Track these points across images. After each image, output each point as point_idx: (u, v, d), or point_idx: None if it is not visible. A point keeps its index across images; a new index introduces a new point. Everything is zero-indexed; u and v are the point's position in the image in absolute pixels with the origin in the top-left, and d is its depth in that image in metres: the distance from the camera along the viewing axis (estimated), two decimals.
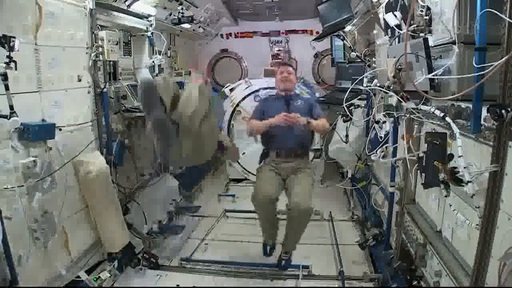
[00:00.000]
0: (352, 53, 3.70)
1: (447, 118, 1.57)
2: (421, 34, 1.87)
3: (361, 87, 2.75)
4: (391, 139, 2.63)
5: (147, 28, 3.66)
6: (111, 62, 2.96)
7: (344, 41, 3.86)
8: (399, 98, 2.04)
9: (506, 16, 1.19)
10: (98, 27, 2.84)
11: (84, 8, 2.65)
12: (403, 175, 2.45)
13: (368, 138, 3.21)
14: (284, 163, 2.97)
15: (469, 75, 1.37)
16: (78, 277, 2.49)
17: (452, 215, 1.63)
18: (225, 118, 5.02)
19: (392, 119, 2.41)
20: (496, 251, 1.32)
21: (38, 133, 2.14)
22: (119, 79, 3.14)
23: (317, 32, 5.59)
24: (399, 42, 2.23)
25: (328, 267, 3.00)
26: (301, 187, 2.78)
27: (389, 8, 2.28)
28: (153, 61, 3.85)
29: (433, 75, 1.66)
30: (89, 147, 2.71)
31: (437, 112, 1.65)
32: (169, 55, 4.69)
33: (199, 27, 4.88)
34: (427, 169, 1.69)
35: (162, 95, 2.51)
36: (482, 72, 1.30)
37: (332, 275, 2.89)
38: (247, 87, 4.99)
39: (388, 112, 2.31)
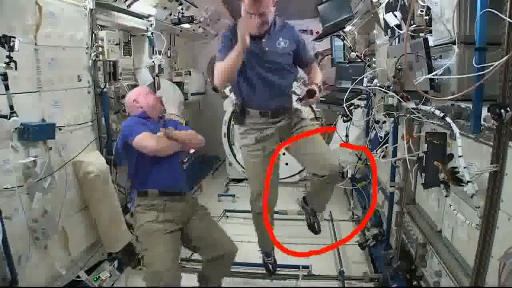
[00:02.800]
0: (352, 53, 3.70)
1: (447, 118, 1.58)
2: (421, 34, 1.87)
3: (361, 87, 2.76)
4: (391, 139, 2.63)
5: (147, 28, 3.66)
6: (111, 62, 2.96)
7: (344, 41, 3.86)
8: (399, 98, 2.04)
9: (506, 16, 1.19)
10: (98, 27, 2.84)
11: (84, 8, 2.65)
12: (403, 175, 2.45)
13: (368, 138, 3.22)
14: (273, 124, 2.27)
15: (469, 75, 1.38)
16: (78, 277, 2.49)
17: (452, 215, 1.63)
18: (225, 118, 5.01)
19: (392, 119, 2.41)
20: (496, 251, 1.32)
21: (38, 133, 2.14)
22: (119, 79, 3.14)
23: (317, 32, 5.58)
24: (399, 42, 2.23)
25: (328, 267, 3.00)
26: (317, 148, 2.25)
27: (389, 8, 2.28)
28: (153, 61, 3.85)
29: (433, 75, 1.66)
30: (89, 147, 2.71)
31: (437, 112, 1.65)
32: (169, 55, 4.69)
33: (199, 27, 4.88)
34: (427, 169, 1.69)
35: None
36: (482, 72, 1.30)
37: (332, 275, 2.89)
38: None
39: (388, 112, 2.31)
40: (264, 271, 2.89)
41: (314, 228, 2.66)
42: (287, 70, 2.26)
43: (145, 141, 2.13)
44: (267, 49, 2.18)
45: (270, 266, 2.74)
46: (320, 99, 4.31)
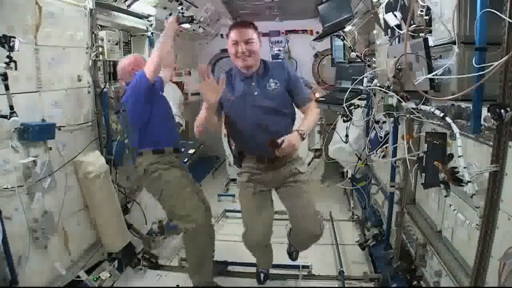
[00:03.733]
0: (352, 53, 3.70)
1: (447, 118, 1.57)
2: (421, 34, 1.87)
3: (361, 87, 2.76)
4: (391, 139, 2.62)
5: (147, 28, 3.66)
6: (111, 62, 2.96)
7: (344, 41, 3.86)
8: (399, 98, 2.04)
9: (506, 16, 1.19)
10: (98, 27, 2.84)
11: (84, 8, 2.65)
12: (403, 175, 2.45)
13: (368, 138, 3.22)
14: (268, 171, 2.23)
15: (469, 75, 1.37)
16: (78, 277, 2.49)
17: (452, 215, 1.63)
18: None
19: (392, 119, 2.41)
20: (496, 251, 1.32)
21: (38, 133, 2.14)
22: (119, 79, 3.14)
23: (317, 32, 5.59)
24: (399, 42, 2.23)
25: (328, 267, 3.00)
26: (304, 210, 2.22)
27: (389, 8, 2.28)
28: None
29: (433, 75, 1.66)
30: (89, 147, 2.71)
31: (437, 112, 1.65)
32: None
33: (199, 27, 4.88)
34: (427, 169, 1.69)
35: None
36: (482, 72, 1.30)
37: (332, 275, 2.89)
38: None
39: (388, 112, 2.31)
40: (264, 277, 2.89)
41: (291, 256, 2.74)
42: (282, 112, 2.14)
43: (150, 62, 2.38)
44: (256, 93, 2.10)
45: (262, 275, 2.78)
46: (320, 99, 4.31)
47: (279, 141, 1.96)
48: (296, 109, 2.29)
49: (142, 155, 2.48)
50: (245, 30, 2.04)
